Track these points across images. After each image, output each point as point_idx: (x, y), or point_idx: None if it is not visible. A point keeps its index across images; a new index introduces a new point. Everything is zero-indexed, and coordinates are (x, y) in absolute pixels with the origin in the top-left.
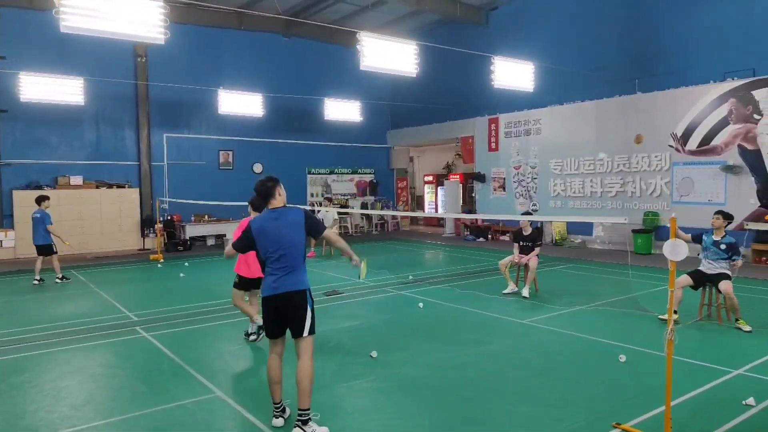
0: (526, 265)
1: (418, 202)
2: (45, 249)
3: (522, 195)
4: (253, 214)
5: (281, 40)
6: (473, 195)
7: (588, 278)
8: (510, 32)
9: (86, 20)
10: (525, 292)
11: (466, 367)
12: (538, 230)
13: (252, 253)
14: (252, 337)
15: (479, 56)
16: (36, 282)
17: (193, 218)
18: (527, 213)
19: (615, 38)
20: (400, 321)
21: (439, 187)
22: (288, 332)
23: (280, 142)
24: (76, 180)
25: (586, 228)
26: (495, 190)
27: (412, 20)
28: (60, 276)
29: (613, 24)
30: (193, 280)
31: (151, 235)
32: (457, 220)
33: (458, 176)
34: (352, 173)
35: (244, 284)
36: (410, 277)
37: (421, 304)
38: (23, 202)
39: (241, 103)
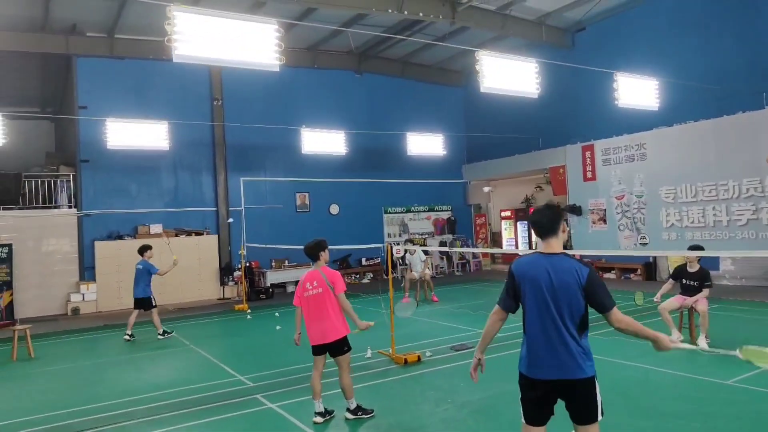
0: (691, 309)
1: (495, 239)
2: (145, 302)
3: (627, 227)
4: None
5: (353, 76)
6: (568, 229)
7: (744, 320)
8: (600, 52)
9: (199, 48)
10: (702, 343)
11: None
12: (705, 269)
13: None
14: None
15: (567, 81)
16: (127, 337)
17: (273, 264)
18: (697, 247)
19: (728, 49)
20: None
21: (518, 222)
22: None
23: (354, 181)
24: (156, 228)
25: (710, 262)
26: (594, 223)
27: (494, 46)
28: (161, 331)
29: (725, 32)
30: (290, 332)
31: (230, 283)
32: None
33: None
34: (428, 210)
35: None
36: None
37: None
38: (105, 253)
39: (323, 141)
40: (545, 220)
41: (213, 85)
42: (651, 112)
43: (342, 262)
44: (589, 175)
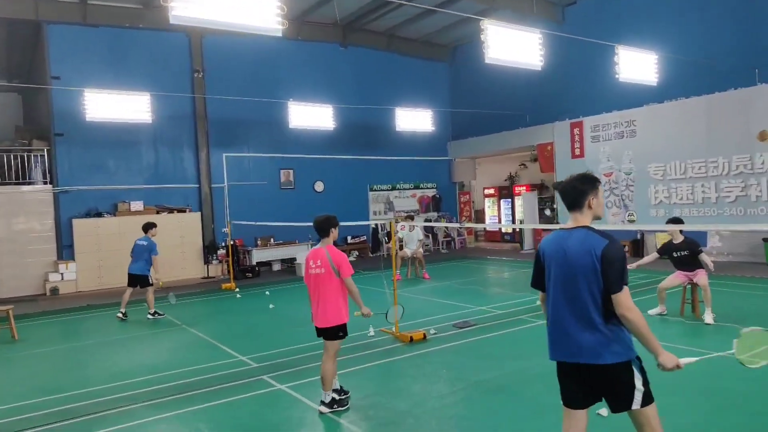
0: (694, 285)
1: (478, 217)
2: (142, 280)
3: (615, 204)
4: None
5: (338, 49)
6: (554, 206)
7: (741, 295)
8: (591, 27)
9: (197, 10)
10: (708, 318)
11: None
12: (690, 238)
13: None
14: None
15: (556, 57)
16: (120, 315)
17: (259, 242)
18: (676, 220)
19: (722, 25)
20: None
21: (502, 200)
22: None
23: (339, 158)
24: (137, 205)
25: (698, 239)
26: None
27: (478, 21)
28: (153, 311)
29: (718, 8)
30: (285, 311)
31: (214, 262)
32: (537, 235)
33: (524, 187)
34: (414, 188)
35: None
36: (538, 303)
37: None
38: (83, 231)
39: (310, 116)
40: (570, 190)
41: (193, 57)
42: (641, 89)
43: None
44: (577, 152)
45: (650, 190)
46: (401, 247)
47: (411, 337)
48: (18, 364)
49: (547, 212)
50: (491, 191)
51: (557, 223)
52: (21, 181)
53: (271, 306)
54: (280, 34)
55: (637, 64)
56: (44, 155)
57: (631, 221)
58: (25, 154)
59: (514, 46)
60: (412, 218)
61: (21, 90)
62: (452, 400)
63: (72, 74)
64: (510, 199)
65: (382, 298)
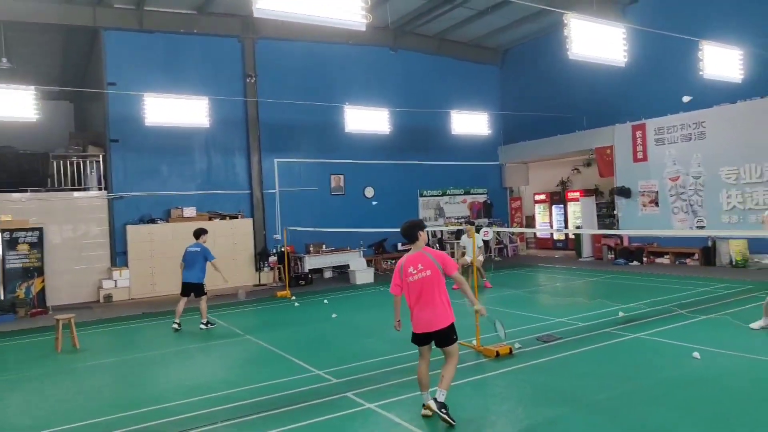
0: None
1: (529, 224)
2: (197, 288)
3: (682, 210)
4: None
5: (388, 53)
6: (615, 212)
7: None
8: (653, 24)
9: (281, 3)
10: None
11: None
12: None
13: None
14: None
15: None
16: (176, 326)
17: (311, 249)
18: None
19: None
20: (691, 381)
21: (554, 206)
22: None
23: (390, 163)
24: (189, 212)
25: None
26: (645, 206)
27: (531, 23)
28: (206, 321)
29: None
30: (348, 320)
31: (266, 269)
32: (597, 242)
33: (578, 193)
34: (464, 194)
35: None
36: (620, 314)
37: (696, 354)
38: (137, 237)
39: (365, 119)
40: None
41: (246, 62)
42: (708, 89)
43: (378, 247)
44: (639, 155)
45: (722, 195)
46: (462, 254)
47: (497, 352)
48: (85, 376)
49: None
50: (542, 197)
51: (617, 228)
52: (76, 187)
53: (333, 315)
54: (363, 29)
55: (720, 61)
56: (99, 161)
57: (701, 228)
58: (81, 161)
59: (597, 42)
60: (473, 224)
61: (73, 98)
62: (572, 426)
63: (127, 80)
64: (562, 205)
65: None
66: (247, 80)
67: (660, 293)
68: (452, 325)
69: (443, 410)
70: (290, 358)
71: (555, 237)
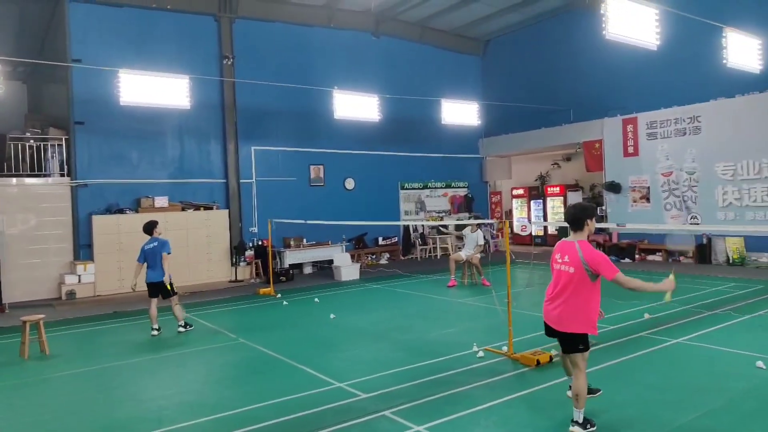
0: None
1: (506, 218)
2: (162, 288)
3: (675, 206)
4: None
5: (370, 38)
6: (603, 208)
7: None
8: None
9: None
10: None
11: None
12: None
13: None
14: None
15: (598, 52)
16: (155, 332)
17: (291, 243)
18: None
19: None
20: None
21: (532, 201)
22: None
23: (371, 154)
24: (161, 201)
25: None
26: (635, 201)
27: (515, 12)
28: (183, 323)
29: None
30: (348, 321)
31: (242, 263)
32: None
33: (558, 188)
34: (445, 187)
35: None
36: (646, 315)
37: (760, 363)
38: (104, 228)
39: (354, 106)
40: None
41: (223, 42)
42: (703, 82)
43: (358, 241)
44: (630, 150)
45: (717, 191)
46: (480, 248)
47: (537, 360)
48: (61, 388)
49: None
50: (520, 191)
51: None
52: (35, 173)
53: (332, 316)
54: None
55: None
56: (62, 145)
57: (696, 224)
58: (40, 144)
59: (631, 22)
60: (477, 219)
61: (26, 78)
62: None
63: (93, 58)
64: (541, 200)
65: (443, 306)
66: (224, 62)
67: (674, 293)
68: (577, 336)
69: (587, 427)
70: (300, 367)
71: (533, 233)
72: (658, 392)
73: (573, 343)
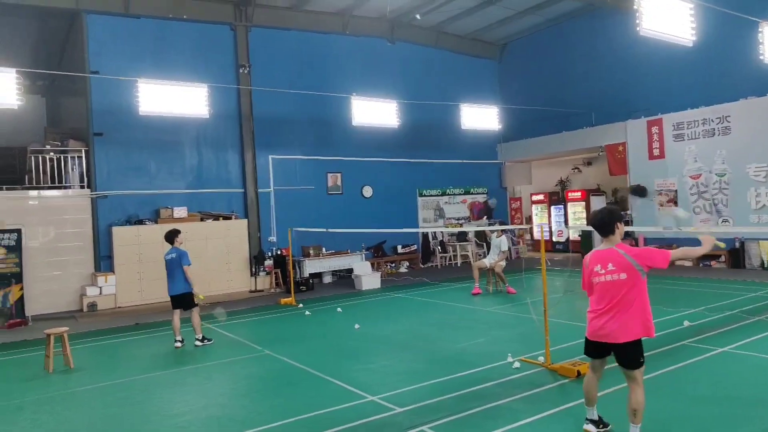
0: None
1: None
2: (186, 299)
3: (705, 209)
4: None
5: (385, 45)
6: (628, 212)
7: None
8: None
9: None
10: None
11: None
12: None
13: None
14: None
15: (621, 51)
16: (179, 344)
17: (311, 252)
18: None
19: None
20: None
21: (552, 207)
22: None
23: (389, 161)
24: (180, 212)
25: None
26: (662, 205)
27: (532, 15)
28: (200, 336)
29: None
30: (373, 331)
31: (261, 273)
32: None
33: (579, 193)
34: (464, 194)
35: None
36: (686, 323)
37: None
38: (124, 239)
39: (372, 113)
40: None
41: (239, 51)
42: (733, 80)
43: (377, 250)
44: (656, 152)
45: (750, 194)
46: (502, 255)
47: (578, 372)
48: (88, 403)
49: None
50: (540, 197)
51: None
52: (56, 185)
53: (357, 326)
54: None
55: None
56: (81, 157)
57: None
58: (60, 156)
59: (664, 17)
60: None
61: (45, 92)
62: None
63: (111, 69)
64: (561, 206)
65: (469, 314)
66: (241, 71)
67: (711, 299)
68: (638, 345)
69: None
70: (329, 379)
71: (554, 239)
72: (709, 406)
73: (635, 355)
